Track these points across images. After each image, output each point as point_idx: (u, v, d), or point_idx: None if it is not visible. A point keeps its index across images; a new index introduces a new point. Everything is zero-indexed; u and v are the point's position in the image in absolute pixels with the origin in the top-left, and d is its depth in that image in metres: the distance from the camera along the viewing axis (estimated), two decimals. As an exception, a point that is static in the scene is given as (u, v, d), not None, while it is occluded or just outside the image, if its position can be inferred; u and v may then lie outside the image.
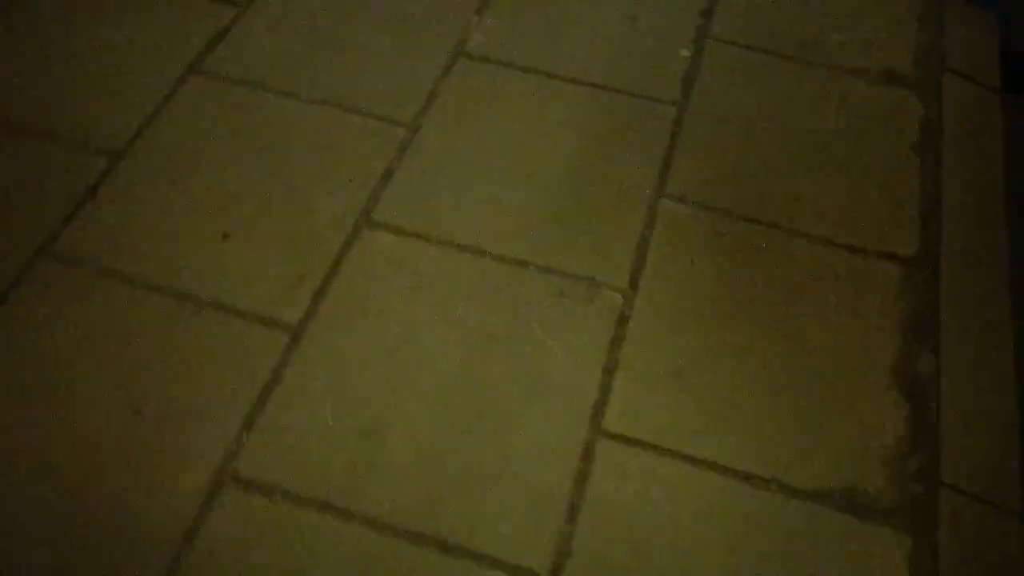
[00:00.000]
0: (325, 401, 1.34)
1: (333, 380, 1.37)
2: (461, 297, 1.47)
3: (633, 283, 1.50)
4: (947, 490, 1.28)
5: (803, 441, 1.32)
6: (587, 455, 1.29)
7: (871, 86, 1.86)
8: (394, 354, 1.40)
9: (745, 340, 1.44)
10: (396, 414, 1.33)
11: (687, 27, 1.96)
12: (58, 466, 1.26)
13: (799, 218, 1.62)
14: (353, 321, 1.44)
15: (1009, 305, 1.52)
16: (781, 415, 1.35)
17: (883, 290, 1.52)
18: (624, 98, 1.79)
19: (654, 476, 1.27)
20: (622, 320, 1.44)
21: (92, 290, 1.46)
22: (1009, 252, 1.59)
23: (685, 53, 1.91)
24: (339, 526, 1.22)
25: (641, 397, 1.35)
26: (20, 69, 1.78)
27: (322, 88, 1.78)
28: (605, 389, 1.36)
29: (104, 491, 1.24)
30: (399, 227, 1.56)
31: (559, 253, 1.53)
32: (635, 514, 1.23)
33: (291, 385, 1.36)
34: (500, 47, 1.89)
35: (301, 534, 1.21)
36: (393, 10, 1.95)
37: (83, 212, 1.55)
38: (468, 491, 1.26)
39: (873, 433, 1.34)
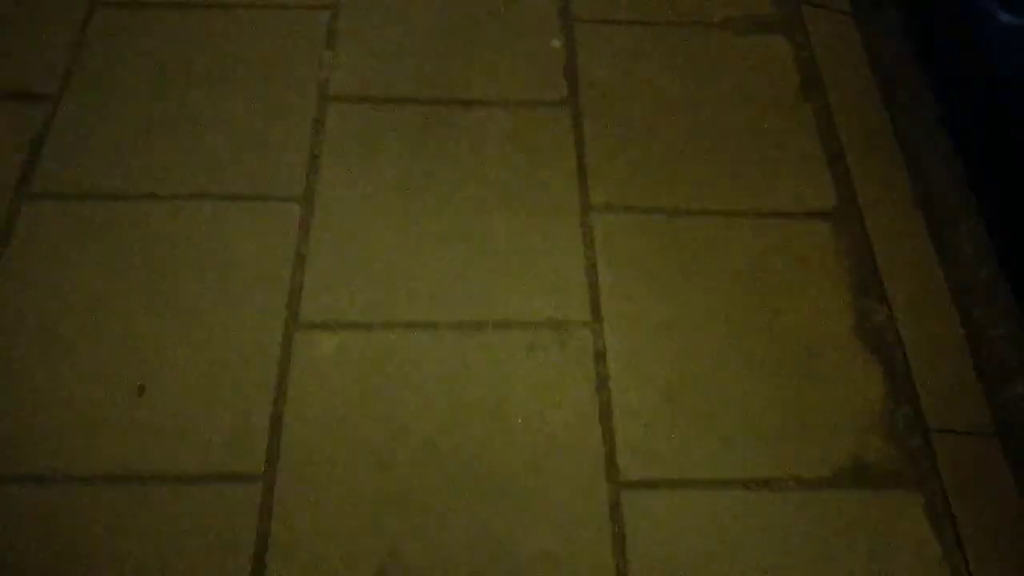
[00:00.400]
0: (327, 544, 1.22)
1: (327, 517, 1.24)
2: (429, 380, 1.35)
3: (595, 312, 1.45)
4: (937, 435, 1.36)
5: (801, 428, 1.35)
6: (615, 512, 1.25)
7: (741, 36, 1.86)
8: (384, 464, 1.28)
9: (716, 342, 1.42)
10: (408, 532, 1.23)
11: (549, 13, 1.86)
12: None
13: (723, 197, 1.60)
14: (324, 443, 1.29)
15: (926, 231, 1.61)
16: (772, 409, 1.37)
17: (820, 250, 1.56)
18: (517, 111, 1.69)
19: (686, 513, 1.26)
20: (599, 357, 1.40)
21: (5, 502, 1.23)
22: (912, 177, 1.68)
23: (557, 43, 1.82)
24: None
25: (646, 435, 1.33)
26: None
27: (183, 179, 1.55)
28: (609, 437, 1.32)
29: None
30: (334, 321, 1.41)
31: (512, 302, 1.45)
32: (680, 559, 1.23)
33: (283, 541, 1.21)
34: (365, 81, 1.72)
35: None
36: (231, 67, 1.72)
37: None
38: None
39: (858, 399, 1.39)
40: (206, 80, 1.68)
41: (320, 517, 1.23)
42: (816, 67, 1.81)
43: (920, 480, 1.31)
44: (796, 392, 1.39)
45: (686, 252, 1.53)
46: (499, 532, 1.23)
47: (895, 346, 1.44)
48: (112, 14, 1.77)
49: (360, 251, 1.48)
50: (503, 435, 1.31)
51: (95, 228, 1.48)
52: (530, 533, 1.23)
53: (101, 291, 1.41)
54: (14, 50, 1.69)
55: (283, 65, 1.72)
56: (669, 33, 1.85)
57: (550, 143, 1.65)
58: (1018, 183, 1.71)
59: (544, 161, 1.63)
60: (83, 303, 1.40)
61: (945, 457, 1.34)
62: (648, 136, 1.68)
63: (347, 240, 1.50)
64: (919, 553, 1.24)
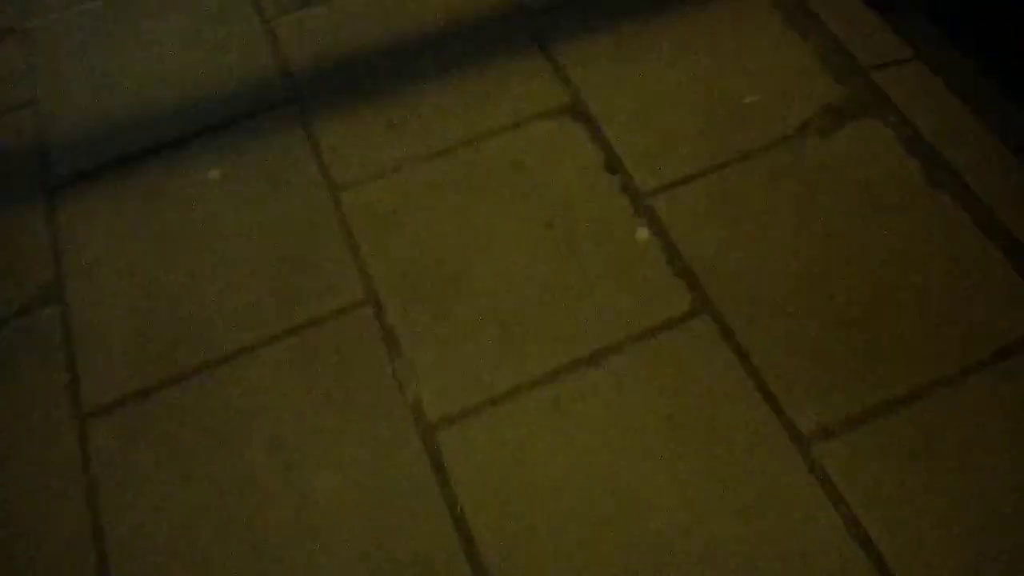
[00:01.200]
0: None
1: None
2: None
3: (897, 590, 1.15)
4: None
5: None
6: None
7: (829, 137, 1.58)
8: None
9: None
10: None
11: (614, 198, 1.54)
12: None
13: (933, 359, 1.30)
14: None
15: None
16: None
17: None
18: (652, 346, 1.36)
19: None
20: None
21: None
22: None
23: (643, 233, 1.50)
24: None
25: None
26: None
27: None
28: None
29: None
30: None
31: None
32: None
33: None
34: (460, 388, 1.34)
35: None
36: (287, 431, 1.33)
37: None
38: None
39: None
40: (271, 454, 1.31)
41: None
42: (926, 143, 1.55)
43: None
44: None
45: (939, 454, 1.24)
46: None
47: None
48: (110, 422, 1.37)
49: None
50: None
51: None
52: None
53: None
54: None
55: (353, 403, 1.36)
56: (753, 167, 1.55)
57: (711, 373, 1.34)
58: None
59: (717, 399, 1.32)
60: None
61: None
62: (809, 310, 1.39)
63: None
64: None
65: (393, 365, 1.37)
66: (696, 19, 1.74)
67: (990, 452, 1.23)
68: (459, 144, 1.61)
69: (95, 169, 1.67)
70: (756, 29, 1.71)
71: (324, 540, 1.24)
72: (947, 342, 1.34)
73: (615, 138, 1.60)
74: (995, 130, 1.55)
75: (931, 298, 1.38)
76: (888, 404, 1.29)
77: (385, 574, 1.20)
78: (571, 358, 1.36)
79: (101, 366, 1.42)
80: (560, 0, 1.79)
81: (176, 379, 1.39)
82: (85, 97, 1.78)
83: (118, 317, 1.47)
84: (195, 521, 1.27)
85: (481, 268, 1.46)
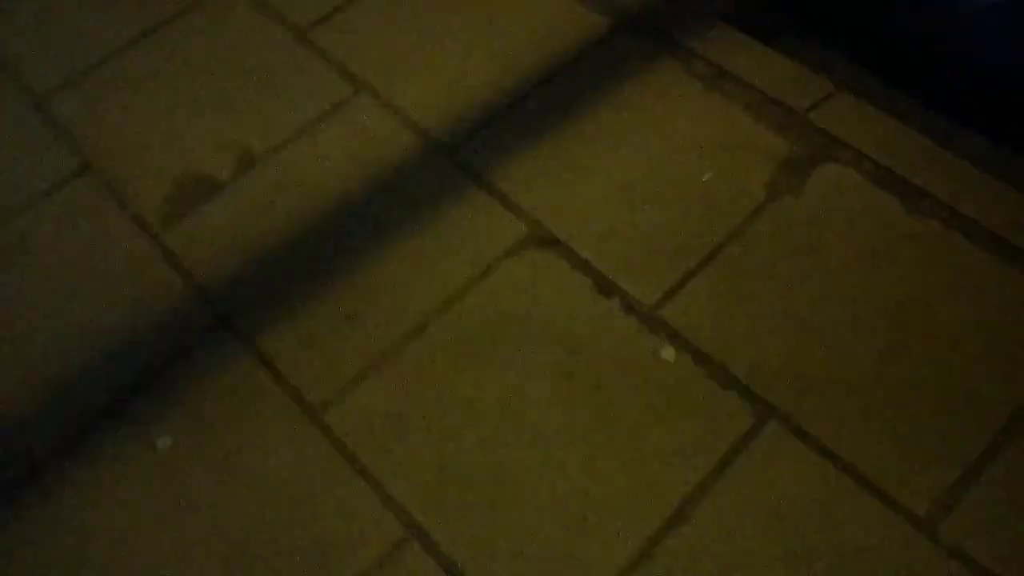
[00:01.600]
0: None
1: None
2: None
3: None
4: None
5: None
6: None
7: (798, 193, 1.54)
8: None
9: None
10: None
11: (621, 321, 1.41)
12: None
13: (1004, 392, 1.26)
14: None
15: None
16: None
17: None
18: (732, 481, 1.25)
19: None
20: None
21: None
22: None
23: (669, 352, 1.37)
24: None
25: None
26: None
27: None
28: None
29: None
30: None
31: None
32: None
33: None
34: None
35: None
36: None
37: None
38: None
39: None
40: None
41: None
42: (891, 173, 1.54)
43: None
44: None
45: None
46: None
47: None
48: None
49: None
50: None
51: None
52: None
53: None
54: None
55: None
56: (742, 246, 1.45)
57: (804, 482, 1.22)
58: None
59: (824, 509, 1.19)
60: None
61: None
62: (862, 380, 1.31)
63: None
64: None
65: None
66: (618, 109, 1.66)
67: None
68: (434, 313, 1.43)
69: (10, 479, 1.35)
70: (681, 103, 1.66)
71: None
72: (1007, 372, 1.31)
73: (594, 257, 1.48)
74: (940, 140, 1.58)
75: (974, 331, 1.34)
76: (983, 455, 1.24)
77: None
78: (659, 523, 1.21)
79: None
80: (475, 125, 1.67)
81: None
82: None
83: (108, 663, 1.18)
84: None
85: (517, 451, 1.29)
